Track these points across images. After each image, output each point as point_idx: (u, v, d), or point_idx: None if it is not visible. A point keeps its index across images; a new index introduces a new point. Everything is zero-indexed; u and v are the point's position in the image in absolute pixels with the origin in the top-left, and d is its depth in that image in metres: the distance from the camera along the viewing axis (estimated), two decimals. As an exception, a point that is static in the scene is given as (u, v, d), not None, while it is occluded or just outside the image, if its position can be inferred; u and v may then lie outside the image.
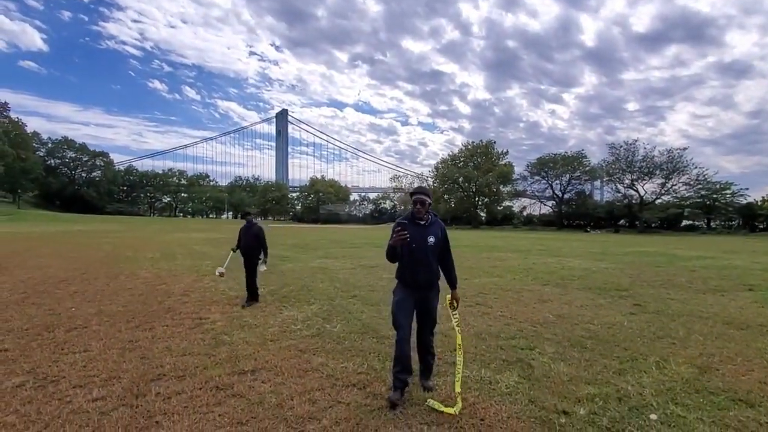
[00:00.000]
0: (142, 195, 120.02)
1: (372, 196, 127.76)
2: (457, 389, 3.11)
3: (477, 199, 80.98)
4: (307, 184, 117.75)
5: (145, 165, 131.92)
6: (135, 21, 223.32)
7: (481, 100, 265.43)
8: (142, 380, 3.48)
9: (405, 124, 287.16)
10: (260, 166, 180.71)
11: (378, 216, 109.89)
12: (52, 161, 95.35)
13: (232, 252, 6.97)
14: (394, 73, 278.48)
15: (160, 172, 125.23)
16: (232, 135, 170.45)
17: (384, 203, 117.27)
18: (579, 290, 8.17)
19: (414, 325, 3.50)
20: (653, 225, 65.42)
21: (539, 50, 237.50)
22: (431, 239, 3.32)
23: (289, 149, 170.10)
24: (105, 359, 3.99)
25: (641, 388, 3.43)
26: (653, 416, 2.95)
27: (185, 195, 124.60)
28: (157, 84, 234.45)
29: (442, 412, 2.96)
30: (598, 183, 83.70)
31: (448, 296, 3.46)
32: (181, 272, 10.13)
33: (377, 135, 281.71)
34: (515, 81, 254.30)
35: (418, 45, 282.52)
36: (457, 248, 19.26)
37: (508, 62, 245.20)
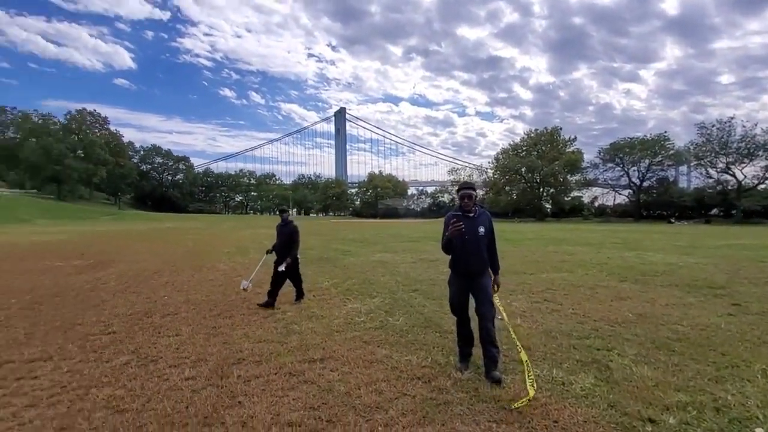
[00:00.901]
0: (217, 195, 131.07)
1: (430, 189, 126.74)
2: (524, 357, 3.26)
3: (542, 189, 76.73)
4: (366, 179, 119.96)
5: (219, 167, 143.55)
6: (206, 34, 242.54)
7: (544, 84, 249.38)
8: (225, 363, 3.83)
9: (462, 114, 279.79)
10: (321, 163, 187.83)
11: (436, 210, 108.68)
12: (144, 167, 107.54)
13: (266, 254, 6.53)
14: (450, 63, 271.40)
15: (233, 173, 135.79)
16: (294, 135, 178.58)
17: (442, 197, 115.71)
18: (663, 287, 7.42)
19: (475, 321, 3.60)
20: (754, 214, 57.13)
21: (611, 25, 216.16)
22: (481, 230, 3.57)
23: (348, 146, 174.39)
24: (193, 343, 4.44)
25: (744, 398, 3.04)
26: (759, 430, 2.60)
27: (254, 194, 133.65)
28: (227, 91, 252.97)
29: (522, 403, 2.92)
30: (683, 168, 74.91)
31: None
32: (253, 265, 10.87)
33: (433, 128, 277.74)
34: (583, 61, 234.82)
35: (475, 31, 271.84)
36: (521, 242, 18.44)
37: (575, 41, 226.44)
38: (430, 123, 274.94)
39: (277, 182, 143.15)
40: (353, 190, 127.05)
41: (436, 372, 3.56)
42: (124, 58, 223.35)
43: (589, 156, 77.61)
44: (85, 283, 8.14)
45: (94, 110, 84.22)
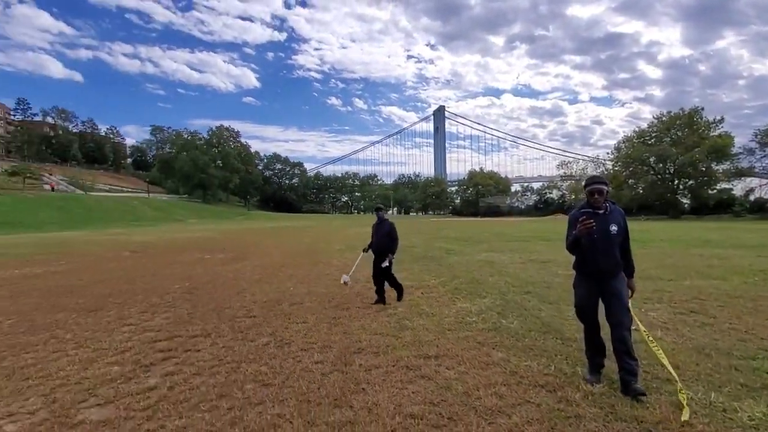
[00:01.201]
0: (326, 196, 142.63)
1: (536, 185, 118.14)
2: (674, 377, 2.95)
3: (677, 182, 65.34)
4: (465, 177, 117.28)
5: (327, 170, 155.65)
6: (316, 49, 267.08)
7: (677, 59, 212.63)
8: (347, 351, 4.13)
9: (573, 102, 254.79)
10: (420, 163, 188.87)
11: (543, 207, 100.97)
12: (267, 173, 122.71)
13: (362, 253, 6.62)
14: (559, 47, 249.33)
15: (339, 175, 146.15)
16: (394, 137, 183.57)
17: (550, 193, 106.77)
18: None
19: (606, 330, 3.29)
20: None
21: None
22: (614, 228, 3.22)
23: (447, 144, 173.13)
24: (318, 330, 4.90)
25: None
26: None
27: (358, 194, 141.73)
28: (333, 100, 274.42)
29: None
30: None
31: None
32: (361, 262, 11.51)
33: (539, 119, 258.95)
34: (728, 27, 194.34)
35: (588, 9, 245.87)
36: (652, 242, 16.03)
37: (717, 5, 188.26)
38: (535, 114, 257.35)
39: (379, 182, 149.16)
40: (453, 189, 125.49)
41: (562, 381, 3.31)
42: (251, 79, 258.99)
43: (741, 140, 62.77)
44: (229, 273, 9.60)
45: (229, 126, 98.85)
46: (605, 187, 3.25)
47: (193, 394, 3.27)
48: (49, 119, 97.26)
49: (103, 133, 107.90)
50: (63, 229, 33.26)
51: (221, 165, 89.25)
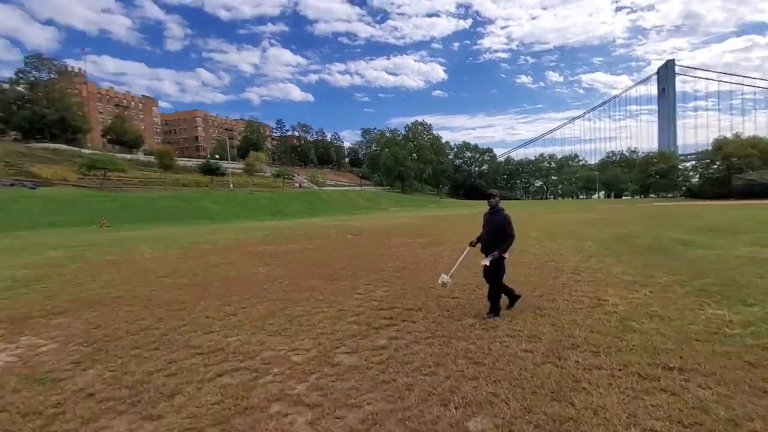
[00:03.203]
0: (518, 181, 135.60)
1: None
2: None
3: None
4: (709, 148, 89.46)
5: (518, 154, 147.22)
6: (503, 28, 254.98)
7: None
8: (559, 345, 3.87)
9: None
10: (636, 136, 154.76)
11: None
12: (457, 161, 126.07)
13: (469, 247, 5.48)
14: None
15: (532, 158, 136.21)
16: (599, 109, 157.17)
17: None
18: None
19: None
20: None
21: None
22: None
23: (677, 108, 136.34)
24: (523, 319, 4.77)
25: None
26: None
27: (555, 177, 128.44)
28: (523, 78, 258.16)
29: None
30: None
31: None
32: (565, 251, 10.48)
33: None
34: None
35: None
36: None
37: None
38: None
39: (581, 163, 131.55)
40: (687, 165, 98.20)
41: None
42: (438, 72, 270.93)
43: None
44: (429, 256, 10.39)
45: (422, 120, 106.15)
46: None
47: (414, 358, 3.72)
48: (296, 132, 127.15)
49: (329, 140, 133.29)
50: (308, 217, 43.15)
51: (416, 157, 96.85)
